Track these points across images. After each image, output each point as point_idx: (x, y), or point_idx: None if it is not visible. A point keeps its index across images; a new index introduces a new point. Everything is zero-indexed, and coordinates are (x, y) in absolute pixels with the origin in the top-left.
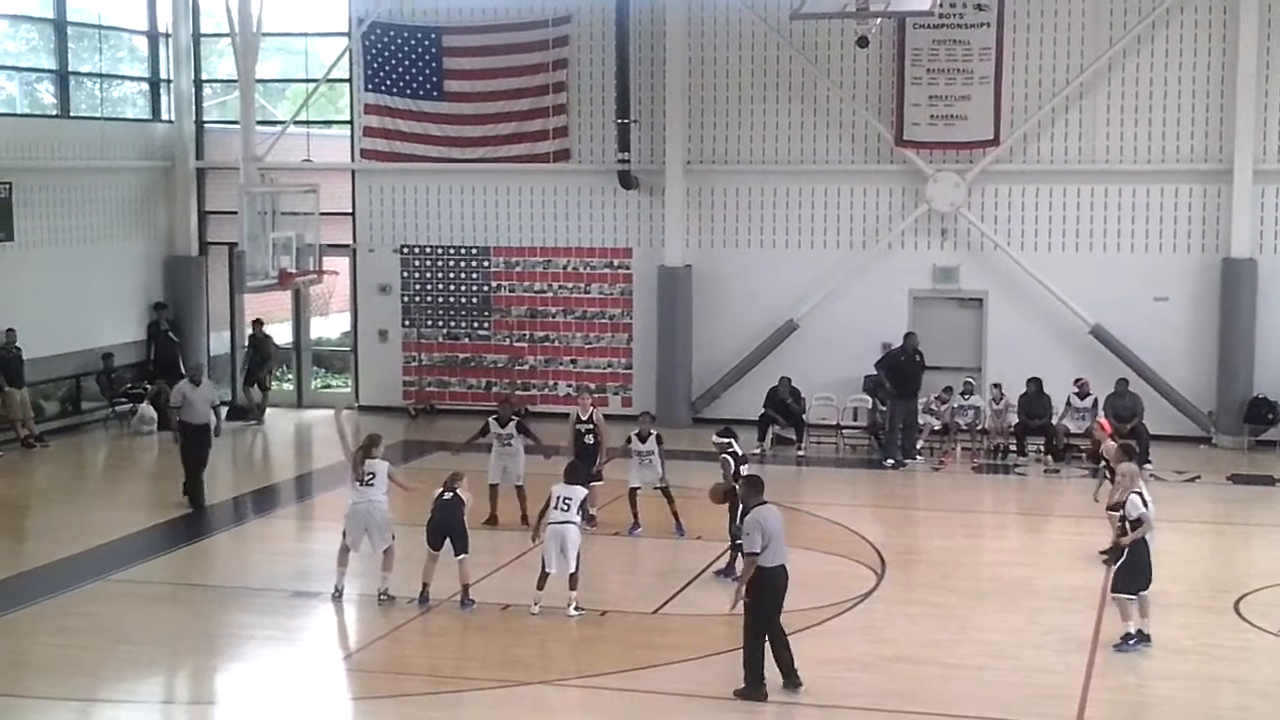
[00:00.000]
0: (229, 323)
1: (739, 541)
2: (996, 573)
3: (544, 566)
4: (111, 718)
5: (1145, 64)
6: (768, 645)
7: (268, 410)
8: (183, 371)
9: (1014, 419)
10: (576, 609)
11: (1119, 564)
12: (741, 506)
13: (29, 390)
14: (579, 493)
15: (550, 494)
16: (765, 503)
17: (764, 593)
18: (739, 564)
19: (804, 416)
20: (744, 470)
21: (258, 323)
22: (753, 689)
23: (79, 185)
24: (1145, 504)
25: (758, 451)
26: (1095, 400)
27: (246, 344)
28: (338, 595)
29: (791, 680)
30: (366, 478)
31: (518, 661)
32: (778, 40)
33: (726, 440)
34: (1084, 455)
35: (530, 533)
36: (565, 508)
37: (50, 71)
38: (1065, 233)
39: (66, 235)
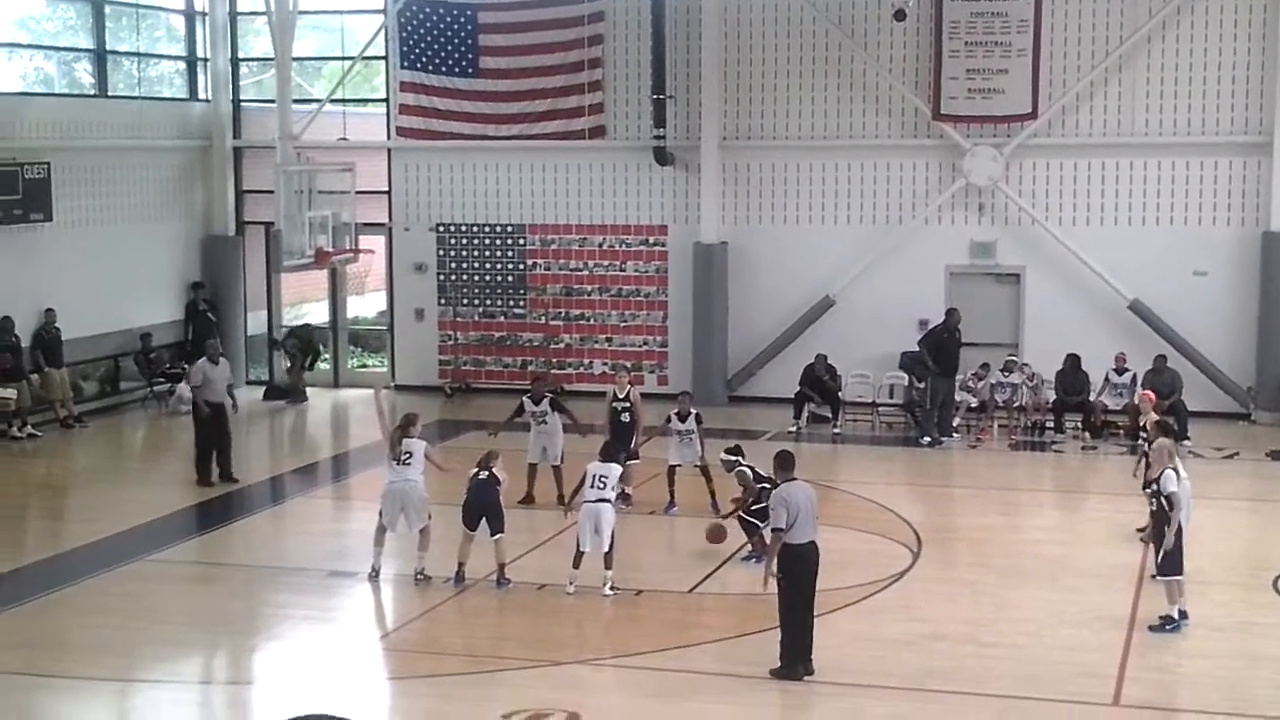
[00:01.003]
0: (266, 302)
1: (751, 522)
2: (1034, 551)
3: (578, 545)
4: (149, 697)
5: (1185, 35)
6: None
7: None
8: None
9: (1051, 395)
10: (612, 588)
11: (1164, 547)
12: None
13: (68, 370)
14: (614, 471)
15: (585, 472)
16: (794, 479)
17: (794, 570)
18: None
19: (840, 394)
20: (762, 474)
21: (273, 343)
22: (788, 669)
23: (116, 165)
24: (1179, 480)
25: (793, 430)
26: (1134, 376)
27: (287, 339)
28: (374, 575)
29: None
30: (404, 457)
31: (553, 641)
32: (814, 15)
33: (734, 458)
34: (1122, 431)
35: (564, 509)
36: (600, 486)
37: (88, 51)
38: (1104, 207)
39: (104, 215)
